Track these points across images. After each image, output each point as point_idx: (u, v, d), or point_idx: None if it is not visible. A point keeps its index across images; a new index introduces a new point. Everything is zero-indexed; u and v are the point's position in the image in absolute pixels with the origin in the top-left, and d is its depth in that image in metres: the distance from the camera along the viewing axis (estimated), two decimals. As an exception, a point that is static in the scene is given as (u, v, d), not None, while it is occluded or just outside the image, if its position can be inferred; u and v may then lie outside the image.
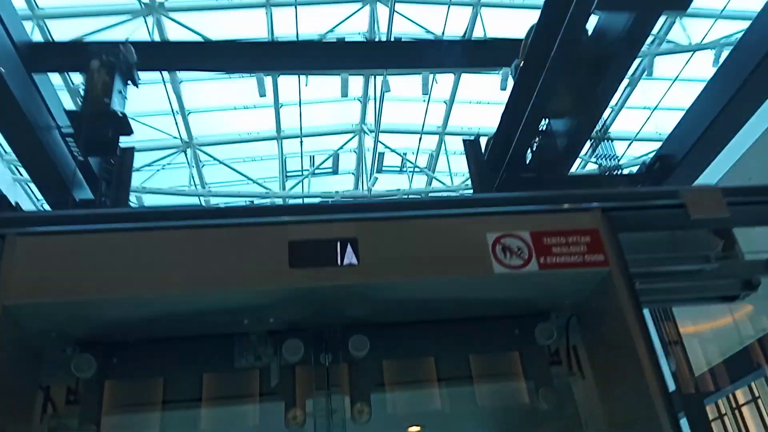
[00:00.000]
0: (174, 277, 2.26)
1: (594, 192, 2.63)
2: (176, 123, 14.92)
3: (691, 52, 13.81)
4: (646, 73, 14.65)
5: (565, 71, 4.70)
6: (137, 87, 5.36)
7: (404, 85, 14.97)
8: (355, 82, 15.23)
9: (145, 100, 14.00)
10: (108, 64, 4.92)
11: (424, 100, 14.91)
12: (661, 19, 13.71)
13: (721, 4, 12.13)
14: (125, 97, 5.07)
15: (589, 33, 4.72)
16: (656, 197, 2.67)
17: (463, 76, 14.85)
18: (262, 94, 14.35)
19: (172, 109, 14.43)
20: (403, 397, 2.66)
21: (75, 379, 2.46)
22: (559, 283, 2.49)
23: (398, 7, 12.38)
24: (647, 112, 15.01)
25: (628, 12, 4.34)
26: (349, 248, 2.41)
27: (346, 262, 2.38)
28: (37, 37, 11.30)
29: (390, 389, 2.64)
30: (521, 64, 4.99)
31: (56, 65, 5.49)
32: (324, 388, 2.53)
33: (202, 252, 2.32)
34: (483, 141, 6.01)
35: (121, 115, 4.79)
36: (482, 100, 15.37)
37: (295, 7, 10.38)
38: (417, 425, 2.81)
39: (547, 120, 5.42)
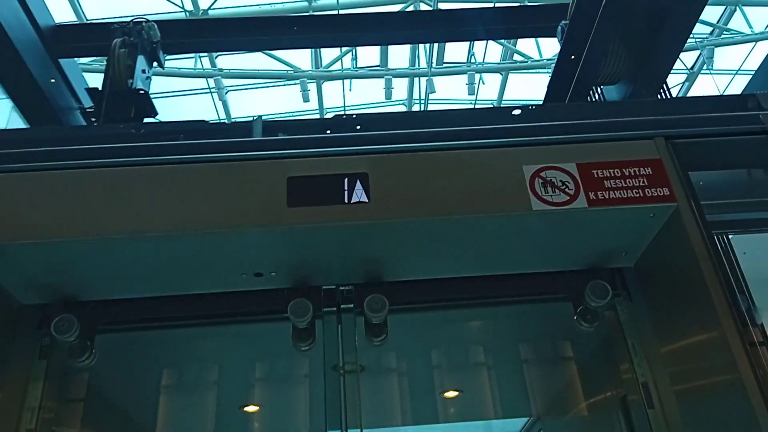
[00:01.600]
0: (151, 217, 1.93)
1: (654, 118, 2.18)
2: (222, 132, 14.92)
3: (754, 42, 12.99)
4: (706, 65, 13.84)
5: (617, 27, 4.23)
6: (162, 68, 5.14)
7: (449, 86, 14.56)
8: (400, 85, 14.91)
9: (192, 109, 14.06)
10: (130, 43, 4.71)
11: (471, 102, 14.48)
12: (721, 8, 13.00)
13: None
14: (149, 77, 4.85)
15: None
16: (732, 123, 2.20)
17: (511, 75, 14.36)
18: (306, 100, 14.20)
19: (219, 118, 14.44)
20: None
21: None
22: (613, 222, 2.05)
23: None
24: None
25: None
26: (358, 184, 2.04)
27: (354, 199, 2.01)
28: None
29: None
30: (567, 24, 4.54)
31: (81, 49, 5.35)
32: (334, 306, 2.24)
33: (185, 189, 1.99)
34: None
35: (142, 92, 4.56)
36: (530, 100, 14.80)
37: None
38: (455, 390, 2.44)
39: (598, 89, 4.93)
